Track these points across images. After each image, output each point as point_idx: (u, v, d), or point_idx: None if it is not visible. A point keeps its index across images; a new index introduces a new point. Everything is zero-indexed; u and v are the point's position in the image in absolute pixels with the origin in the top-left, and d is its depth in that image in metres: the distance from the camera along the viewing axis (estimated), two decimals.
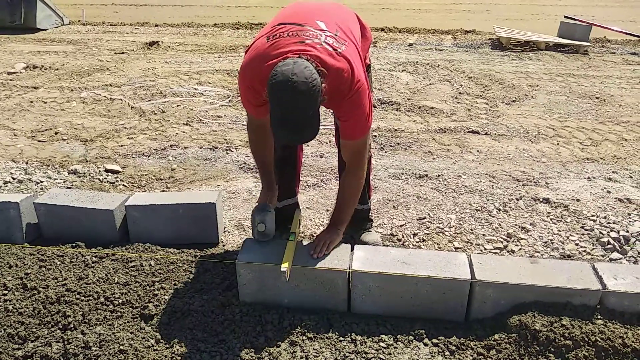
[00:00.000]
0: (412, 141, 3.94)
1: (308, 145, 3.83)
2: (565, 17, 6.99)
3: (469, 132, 4.09)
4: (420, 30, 7.57)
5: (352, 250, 2.18)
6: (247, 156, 3.74)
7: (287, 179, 2.58)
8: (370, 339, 1.98)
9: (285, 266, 2.00)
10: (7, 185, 3.31)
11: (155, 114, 4.52)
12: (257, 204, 2.31)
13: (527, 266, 2.07)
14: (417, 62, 5.86)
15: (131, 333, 2.01)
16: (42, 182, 3.34)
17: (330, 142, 3.88)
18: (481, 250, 2.64)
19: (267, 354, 1.91)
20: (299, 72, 1.77)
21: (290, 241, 2.17)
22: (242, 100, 2.19)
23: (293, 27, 2.02)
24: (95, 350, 1.93)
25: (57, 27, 7.93)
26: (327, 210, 2.97)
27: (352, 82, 1.96)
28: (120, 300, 2.18)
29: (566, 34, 6.59)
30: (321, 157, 3.71)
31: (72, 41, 7.10)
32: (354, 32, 2.20)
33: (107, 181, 3.39)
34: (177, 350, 1.93)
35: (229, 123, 4.34)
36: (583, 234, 2.78)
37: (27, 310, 2.14)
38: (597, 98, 4.81)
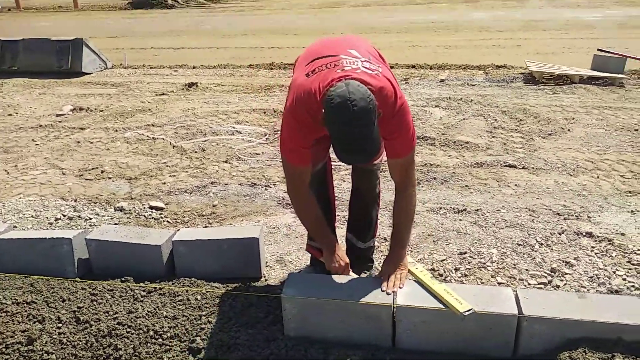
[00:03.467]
0: (449, 176, 3.95)
1: (344, 181, 3.89)
2: (598, 49, 6.96)
3: (505, 166, 4.08)
4: (451, 66, 7.65)
5: None
6: (286, 192, 3.81)
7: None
8: None
9: (465, 307, 1.97)
10: (57, 222, 3.46)
11: (195, 152, 4.68)
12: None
13: (576, 301, 2.04)
14: (449, 97, 5.91)
15: None
16: (90, 218, 3.48)
17: None
18: (525, 286, 2.61)
19: None
20: (355, 90, 1.85)
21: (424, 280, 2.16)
22: (286, 148, 2.18)
23: (328, 59, 2.11)
24: None
25: (101, 70, 8.33)
26: None
27: (396, 100, 2.04)
28: (168, 334, 2.23)
29: (600, 67, 6.56)
30: None
31: (115, 84, 7.44)
32: (383, 58, 2.29)
33: (152, 217, 3.50)
34: None
35: (267, 160, 4.44)
36: (630, 269, 2.73)
37: (80, 343, 2.21)
38: (635, 130, 4.74)
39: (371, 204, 2.70)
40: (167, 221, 3.46)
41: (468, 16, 14.23)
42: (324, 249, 2.33)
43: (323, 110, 1.92)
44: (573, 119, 5.08)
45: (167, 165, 4.42)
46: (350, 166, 2.69)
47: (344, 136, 1.87)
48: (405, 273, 2.21)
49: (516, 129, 4.86)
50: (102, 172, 4.34)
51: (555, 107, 5.44)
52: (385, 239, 3.07)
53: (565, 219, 3.27)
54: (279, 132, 2.27)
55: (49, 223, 3.44)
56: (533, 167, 4.04)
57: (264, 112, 5.72)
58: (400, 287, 2.13)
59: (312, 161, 2.33)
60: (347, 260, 2.30)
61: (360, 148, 1.88)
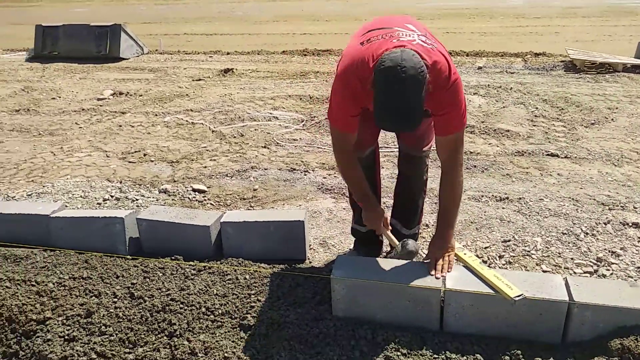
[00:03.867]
0: (489, 164, 3.93)
1: (383, 167, 3.91)
2: None
3: (547, 155, 4.03)
4: (488, 54, 7.54)
5: None
6: (325, 177, 3.85)
7: None
8: (465, 358, 1.99)
9: (516, 292, 1.98)
10: (106, 202, 3.57)
11: (234, 137, 4.75)
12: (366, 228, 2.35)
13: (627, 289, 2.03)
14: (488, 85, 5.84)
15: (233, 342, 2.12)
16: (137, 199, 3.58)
17: None
18: (571, 274, 2.60)
19: None
20: (408, 58, 1.86)
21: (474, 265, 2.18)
22: (333, 114, 2.22)
23: (384, 31, 2.13)
24: (202, 357, 2.05)
25: (137, 56, 8.48)
26: None
27: (450, 75, 2.04)
28: (220, 311, 2.30)
29: None
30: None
31: (152, 69, 7.57)
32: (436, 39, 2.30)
33: (196, 200, 3.58)
34: (278, 359, 2.02)
35: (305, 146, 4.48)
36: None
37: (136, 317, 2.30)
38: None
39: (418, 191, 2.71)
40: (211, 204, 3.54)
41: (503, 2, 13.96)
42: (365, 208, 2.34)
43: (373, 75, 1.92)
44: (617, 108, 4.98)
45: (207, 150, 4.50)
46: (395, 150, 2.69)
47: (386, 100, 1.87)
48: (452, 256, 2.22)
49: (558, 118, 4.78)
50: (144, 155, 4.45)
51: (597, 96, 5.32)
52: (426, 225, 3.09)
53: (610, 209, 3.22)
54: (328, 100, 2.30)
55: (98, 203, 3.56)
56: (576, 157, 3.99)
57: (300, 99, 5.75)
58: (448, 271, 2.15)
59: (361, 143, 2.36)
60: (386, 217, 2.34)
61: (402, 115, 1.87)
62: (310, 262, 2.77)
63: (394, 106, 1.87)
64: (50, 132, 5.08)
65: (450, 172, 2.26)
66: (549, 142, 4.27)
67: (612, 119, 4.71)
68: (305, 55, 8.20)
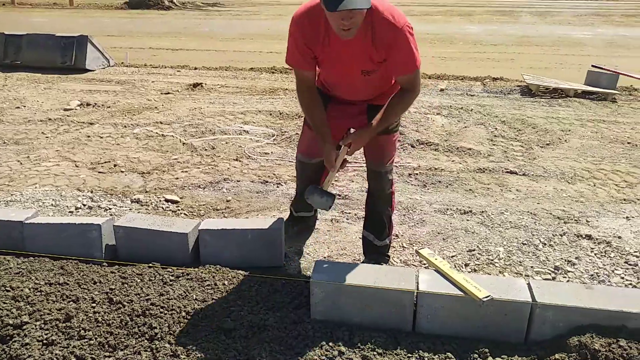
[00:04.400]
0: (453, 180, 4.13)
1: (352, 181, 4.04)
2: (592, 66, 7.25)
3: (507, 172, 4.27)
4: (449, 77, 7.87)
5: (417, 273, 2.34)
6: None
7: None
8: (437, 356, 2.12)
9: (484, 293, 2.12)
10: (78, 211, 3.55)
11: (206, 150, 4.80)
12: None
13: (584, 292, 2.21)
14: (450, 106, 6.11)
15: (215, 344, 2.17)
16: (110, 209, 3.58)
17: None
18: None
19: None
20: None
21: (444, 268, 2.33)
22: (288, 54, 2.45)
23: None
24: (184, 358, 2.10)
25: (103, 68, 8.40)
26: None
27: (395, 20, 2.26)
28: (200, 315, 2.35)
29: (594, 82, 6.82)
30: None
31: (119, 81, 7.52)
32: None
33: (170, 210, 3.61)
34: None
35: (276, 159, 4.58)
36: (627, 268, 2.91)
37: (115, 321, 2.32)
38: (628, 143, 4.98)
39: (384, 205, 2.86)
40: (184, 214, 3.58)
41: (463, 29, 14.55)
42: (323, 142, 2.52)
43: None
44: (569, 130, 5.31)
45: (179, 162, 4.53)
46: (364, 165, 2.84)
47: None
48: (356, 149, 2.47)
49: (516, 138, 5.06)
50: (114, 165, 4.44)
51: (552, 119, 5.66)
52: (396, 235, 3.23)
53: (565, 222, 3.45)
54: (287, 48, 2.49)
55: (70, 211, 3.54)
56: (533, 174, 4.24)
57: (270, 114, 5.86)
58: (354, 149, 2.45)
59: (310, 150, 2.69)
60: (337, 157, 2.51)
61: None
62: (286, 269, 2.86)
63: None
64: (16, 141, 4.99)
65: (403, 94, 2.44)
66: (508, 160, 4.52)
67: (566, 140, 5.02)
68: (273, 72, 8.33)
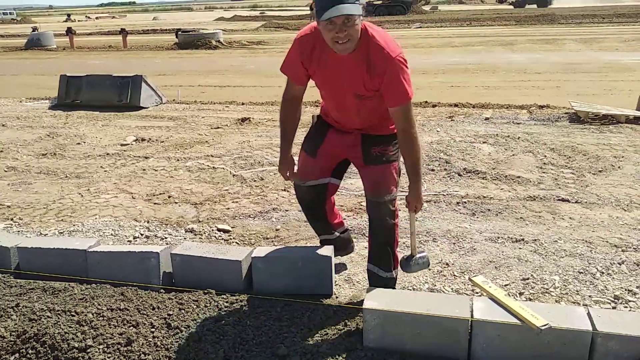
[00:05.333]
0: (503, 208, 4.07)
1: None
2: None
3: (558, 200, 4.18)
4: (494, 105, 7.82)
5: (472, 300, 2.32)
6: (344, 218, 3.98)
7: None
8: None
9: (541, 322, 2.10)
10: (136, 240, 3.71)
11: (255, 180, 4.93)
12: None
13: None
14: (496, 134, 6.06)
15: None
16: (166, 238, 3.72)
17: None
18: None
19: None
20: None
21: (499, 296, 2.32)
22: (285, 67, 2.63)
23: None
24: None
25: (156, 105, 8.80)
26: None
27: (389, 51, 2.34)
28: (254, 341, 2.40)
29: None
30: None
31: (172, 117, 7.86)
32: None
33: (222, 239, 3.72)
34: None
35: None
36: None
37: (173, 346, 2.40)
38: None
39: (386, 236, 2.74)
40: (236, 242, 3.67)
41: (505, 58, 14.45)
42: (280, 153, 2.79)
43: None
44: (622, 156, 5.16)
45: (229, 193, 4.67)
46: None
47: None
48: (420, 207, 2.61)
49: (566, 165, 4.96)
50: (169, 197, 4.61)
51: (603, 146, 5.52)
52: (447, 264, 3.20)
53: (623, 250, 3.34)
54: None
55: (128, 241, 3.70)
56: (586, 202, 4.13)
57: None
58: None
59: (304, 172, 2.84)
60: (293, 170, 2.83)
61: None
62: (336, 297, 2.88)
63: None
64: (77, 174, 5.27)
65: (404, 133, 2.49)
66: (559, 188, 4.43)
67: (619, 167, 4.88)
68: (317, 106, 8.51)
